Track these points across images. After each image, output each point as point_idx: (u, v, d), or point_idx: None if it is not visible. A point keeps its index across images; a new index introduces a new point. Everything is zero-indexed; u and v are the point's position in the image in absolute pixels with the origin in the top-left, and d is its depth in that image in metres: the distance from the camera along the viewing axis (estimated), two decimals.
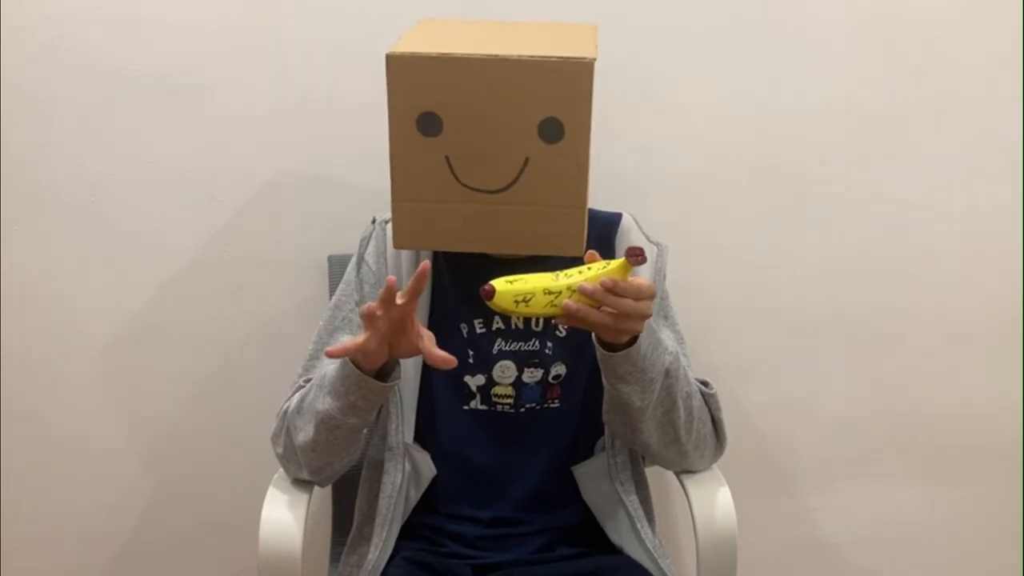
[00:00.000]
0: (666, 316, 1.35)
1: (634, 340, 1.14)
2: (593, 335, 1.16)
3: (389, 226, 1.25)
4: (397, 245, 1.17)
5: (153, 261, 1.64)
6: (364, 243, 1.33)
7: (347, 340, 1.16)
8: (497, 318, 1.31)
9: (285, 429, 1.27)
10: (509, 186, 1.12)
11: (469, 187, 1.12)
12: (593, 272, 1.08)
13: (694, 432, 1.28)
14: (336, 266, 1.54)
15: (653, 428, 1.25)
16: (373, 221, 1.35)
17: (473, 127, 1.10)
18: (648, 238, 1.37)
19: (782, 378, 1.81)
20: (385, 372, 1.18)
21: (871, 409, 1.84)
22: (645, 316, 1.09)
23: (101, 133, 1.57)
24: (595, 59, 1.07)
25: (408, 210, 1.14)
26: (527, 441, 1.34)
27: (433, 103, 1.09)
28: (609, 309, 1.07)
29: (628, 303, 1.06)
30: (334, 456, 1.26)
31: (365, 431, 1.29)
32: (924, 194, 1.73)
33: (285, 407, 1.29)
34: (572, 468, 1.35)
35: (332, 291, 1.41)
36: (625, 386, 1.18)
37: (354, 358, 1.14)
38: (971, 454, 1.88)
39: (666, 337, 1.26)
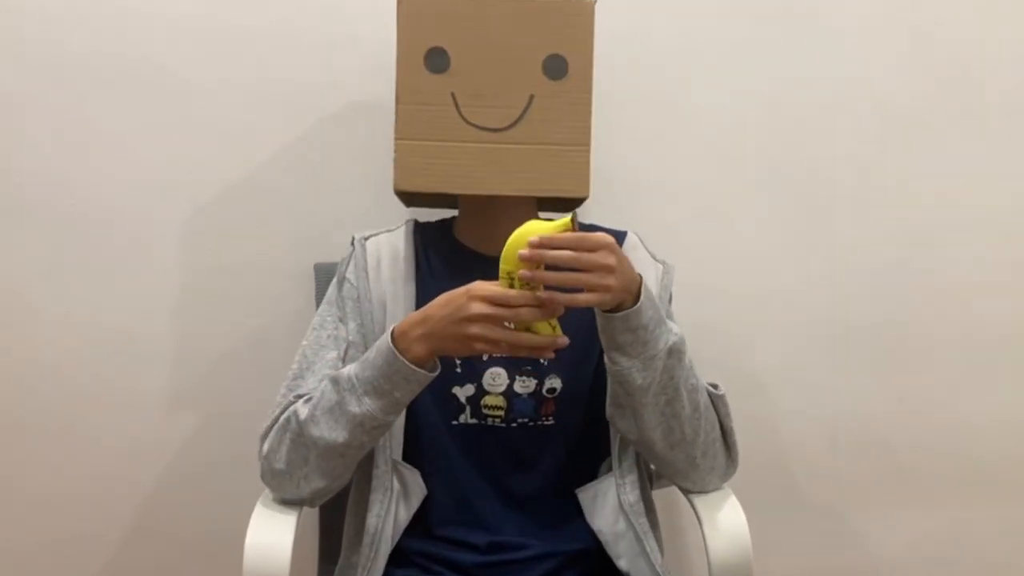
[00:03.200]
0: None
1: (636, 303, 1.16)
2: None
3: (368, 243, 1.35)
4: (398, 185, 1.22)
5: (131, 268, 1.63)
6: (345, 262, 1.35)
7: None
8: None
9: (289, 442, 1.24)
10: (513, 124, 1.21)
11: (474, 125, 1.21)
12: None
13: (702, 433, 1.27)
14: (323, 275, 1.53)
15: (656, 420, 1.24)
16: (352, 242, 1.37)
17: (480, 63, 1.20)
18: (653, 256, 1.39)
19: (800, 393, 1.80)
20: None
21: (897, 425, 1.83)
22: (603, 267, 1.10)
23: (74, 134, 1.57)
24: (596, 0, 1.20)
25: (411, 148, 1.22)
26: (521, 460, 1.33)
27: (442, 38, 1.19)
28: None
29: (568, 255, 1.08)
30: (357, 458, 1.26)
31: None
32: (951, 197, 1.73)
33: (285, 417, 1.26)
34: (576, 491, 1.34)
35: (319, 301, 1.41)
36: (625, 359, 1.19)
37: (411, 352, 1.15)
38: (1006, 473, 1.86)
39: (674, 325, 1.27)
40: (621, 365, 1.19)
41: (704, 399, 1.27)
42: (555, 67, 1.21)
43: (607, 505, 1.33)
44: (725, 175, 1.70)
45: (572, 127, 1.22)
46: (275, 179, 1.62)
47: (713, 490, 1.35)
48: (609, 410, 1.29)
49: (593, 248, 1.09)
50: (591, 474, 1.36)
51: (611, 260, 1.11)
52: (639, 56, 1.60)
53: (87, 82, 1.55)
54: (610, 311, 1.16)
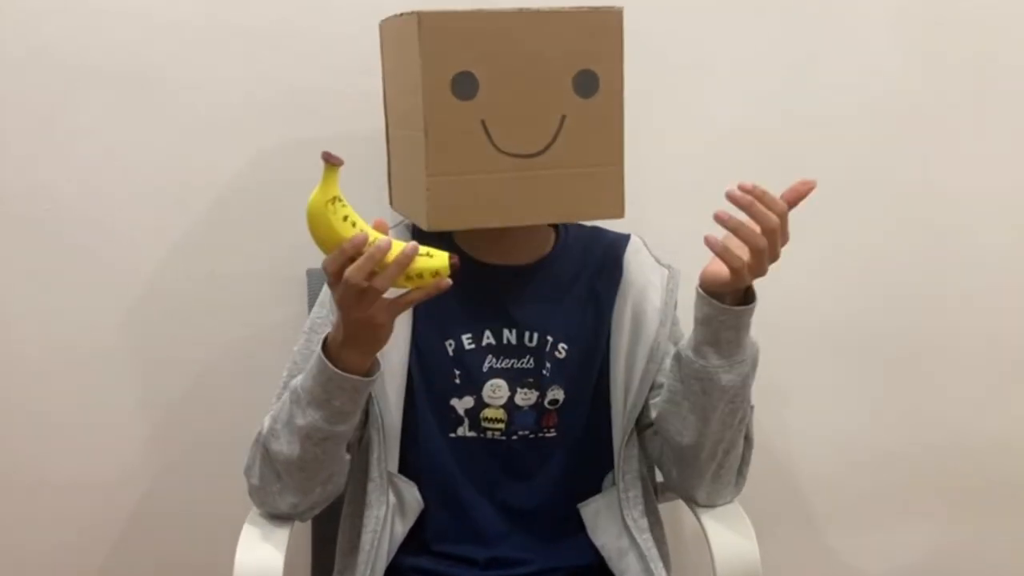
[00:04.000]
0: (676, 343, 1.33)
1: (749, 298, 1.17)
2: (699, 287, 1.18)
3: None
4: (431, 226, 1.17)
5: (114, 275, 1.62)
6: None
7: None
8: (487, 332, 1.29)
9: (260, 456, 1.25)
10: (547, 148, 1.17)
11: (507, 153, 1.16)
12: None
13: (739, 446, 1.29)
14: (316, 280, 1.51)
15: (718, 426, 1.24)
16: None
17: (509, 85, 1.15)
18: (658, 260, 1.37)
19: (811, 406, 1.80)
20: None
21: (911, 440, 1.82)
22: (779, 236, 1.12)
23: (55, 136, 1.55)
24: (622, 8, 1.16)
25: (444, 185, 1.16)
26: (522, 473, 1.33)
27: (468, 62, 1.13)
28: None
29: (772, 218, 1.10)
30: (323, 471, 1.23)
31: (349, 458, 1.26)
32: (974, 197, 1.73)
33: (258, 432, 1.27)
34: (579, 506, 1.34)
35: (311, 308, 1.39)
36: (716, 358, 1.18)
37: (337, 349, 1.13)
38: (1022, 490, 1.87)
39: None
40: (710, 362, 1.19)
41: (750, 414, 1.29)
42: (586, 84, 1.17)
43: (610, 520, 1.32)
44: (733, 175, 1.62)
45: (604, 146, 1.20)
46: (265, 182, 1.60)
47: (723, 504, 1.34)
48: (661, 408, 1.28)
49: (780, 214, 1.10)
50: (594, 488, 1.35)
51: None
52: (644, 54, 1.55)
53: (69, 82, 1.53)
54: (732, 302, 1.16)
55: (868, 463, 1.82)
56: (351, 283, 1.04)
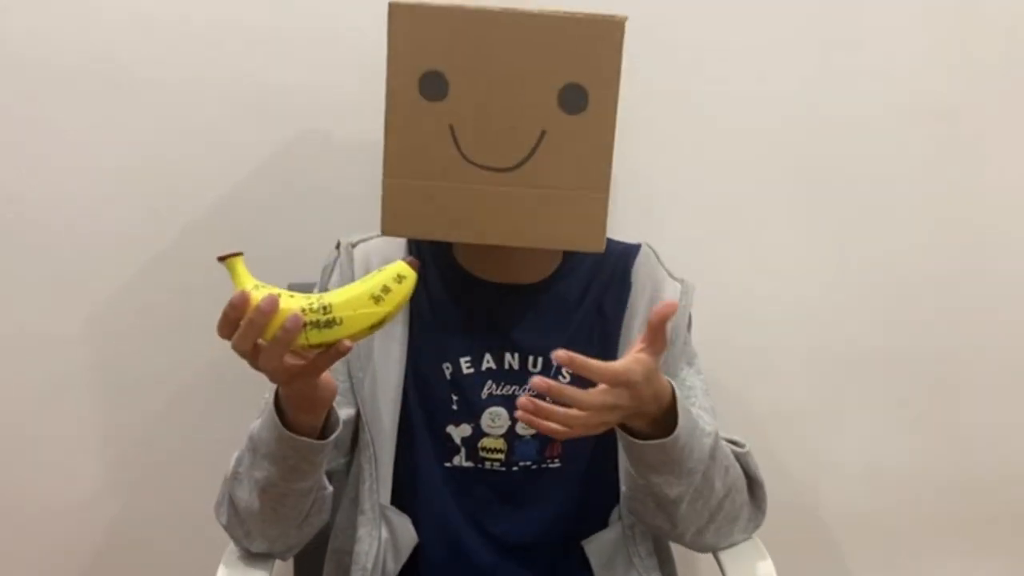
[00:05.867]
0: (690, 362, 1.33)
1: (673, 427, 1.08)
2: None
3: (356, 250, 1.29)
4: (386, 231, 1.15)
5: (83, 286, 1.60)
6: (328, 271, 1.31)
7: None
8: (488, 356, 1.27)
9: (228, 498, 1.22)
10: (521, 164, 1.11)
11: (475, 164, 1.11)
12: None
13: (728, 507, 1.25)
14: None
15: (692, 518, 1.21)
16: (337, 246, 1.33)
17: (484, 91, 1.10)
18: (671, 274, 1.35)
19: (833, 432, 1.78)
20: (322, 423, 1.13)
21: (941, 469, 1.81)
22: (618, 407, 1.03)
23: (22, 137, 1.55)
24: (627, 17, 1.08)
25: (401, 188, 1.12)
26: (523, 506, 1.30)
27: (439, 61, 1.08)
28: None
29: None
30: (290, 524, 1.20)
31: (330, 490, 1.24)
32: (1007, 204, 1.71)
33: (226, 472, 1.25)
34: (583, 543, 1.31)
35: None
36: (657, 476, 1.14)
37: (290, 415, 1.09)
38: None
39: (701, 411, 1.25)
40: (653, 482, 1.14)
41: (735, 471, 1.24)
42: (573, 99, 1.10)
43: (616, 558, 1.30)
44: (750, 183, 1.66)
45: (588, 170, 1.12)
46: (247, 188, 1.60)
47: (740, 542, 1.31)
48: (629, 504, 1.26)
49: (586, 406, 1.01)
50: (599, 522, 1.33)
51: (623, 399, 1.03)
52: (654, 54, 1.57)
53: (34, 80, 1.52)
54: (635, 436, 1.09)
55: (898, 493, 1.82)
56: (239, 353, 0.98)
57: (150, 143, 1.56)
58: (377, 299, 0.99)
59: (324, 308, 0.97)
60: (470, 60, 1.08)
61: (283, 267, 1.52)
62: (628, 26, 1.11)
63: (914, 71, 1.65)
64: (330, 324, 0.97)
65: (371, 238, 1.33)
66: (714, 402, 1.31)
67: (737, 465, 1.24)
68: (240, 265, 0.99)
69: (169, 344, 1.63)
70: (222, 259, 0.98)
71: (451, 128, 1.10)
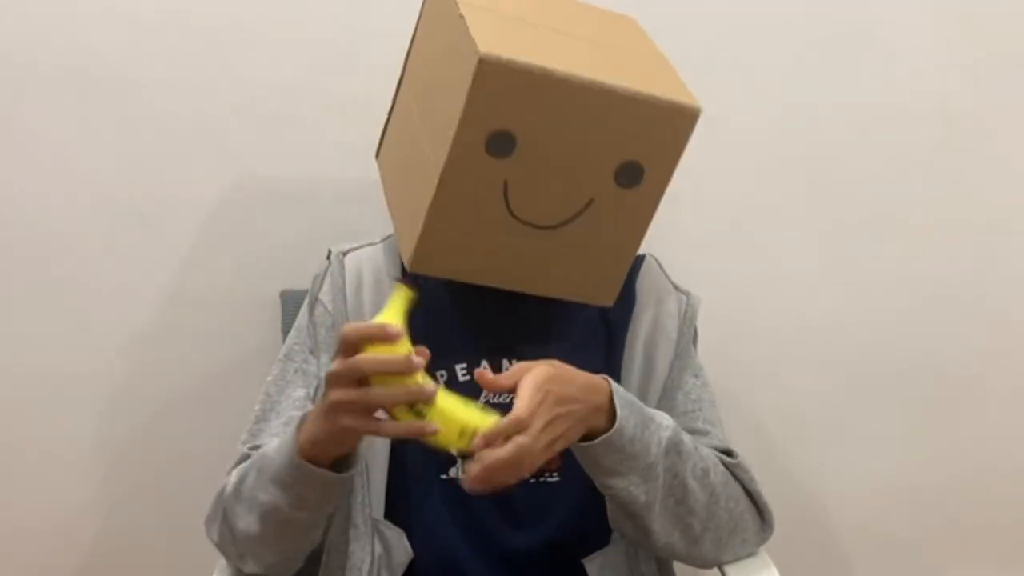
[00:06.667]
0: (696, 374, 1.32)
1: (612, 422, 1.08)
2: None
3: (347, 259, 1.29)
4: (413, 268, 1.14)
5: (67, 295, 1.60)
6: (318, 281, 1.30)
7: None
8: (484, 363, 1.25)
9: (222, 515, 1.21)
10: (562, 225, 1.12)
11: (518, 219, 1.11)
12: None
13: (723, 512, 1.22)
14: (291, 304, 1.51)
15: (671, 525, 1.19)
16: (328, 255, 1.32)
17: (547, 155, 1.08)
18: (676, 286, 1.35)
19: (844, 440, 1.78)
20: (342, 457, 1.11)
21: (961, 478, 1.81)
22: (553, 419, 1.02)
23: (2, 139, 1.54)
24: (701, 110, 1.08)
25: (440, 233, 1.11)
26: (521, 521, 1.28)
27: (515, 121, 1.05)
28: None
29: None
30: (289, 549, 1.20)
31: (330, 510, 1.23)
32: (1016, 222, 1.72)
33: (223, 486, 1.23)
34: (584, 561, 1.29)
35: (286, 334, 1.38)
36: (620, 480, 1.12)
37: (309, 443, 1.07)
38: None
39: (708, 424, 1.26)
40: (617, 487, 1.12)
41: (721, 477, 1.22)
42: (629, 175, 1.10)
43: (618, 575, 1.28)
44: (757, 189, 1.67)
45: (622, 238, 1.15)
46: (234, 192, 1.60)
47: (745, 557, 1.29)
48: (613, 524, 1.23)
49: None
50: (601, 539, 1.30)
51: (540, 438, 1.00)
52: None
53: (17, 81, 1.52)
54: (583, 440, 1.08)
55: (907, 505, 1.81)
56: (344, 369, 0.97)
57: (135, 146, 1.55)
58: (460, 434, 1.00)
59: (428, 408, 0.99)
60: (544, 123, 1.06)
61: (273, 275, 1.57)
62: (650, 26, 1.15)
63: (928, 76, 1.65)
64: (419, 415, 0.99)
65: (362, 246, 1.33)
66: (718, 415, 1.31)
67: (726, 472, 1.23)
68: (407, 302, 1.02)
69: (155, 354, 1.62)
70: (399, 281, 1.03)
71: (505, 184, 1.09)
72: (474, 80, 1.01)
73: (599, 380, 1.09)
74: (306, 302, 1.31)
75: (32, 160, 1.55)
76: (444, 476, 1.26)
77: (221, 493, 1.22)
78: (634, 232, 1.15)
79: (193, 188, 1.58)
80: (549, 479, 1.27)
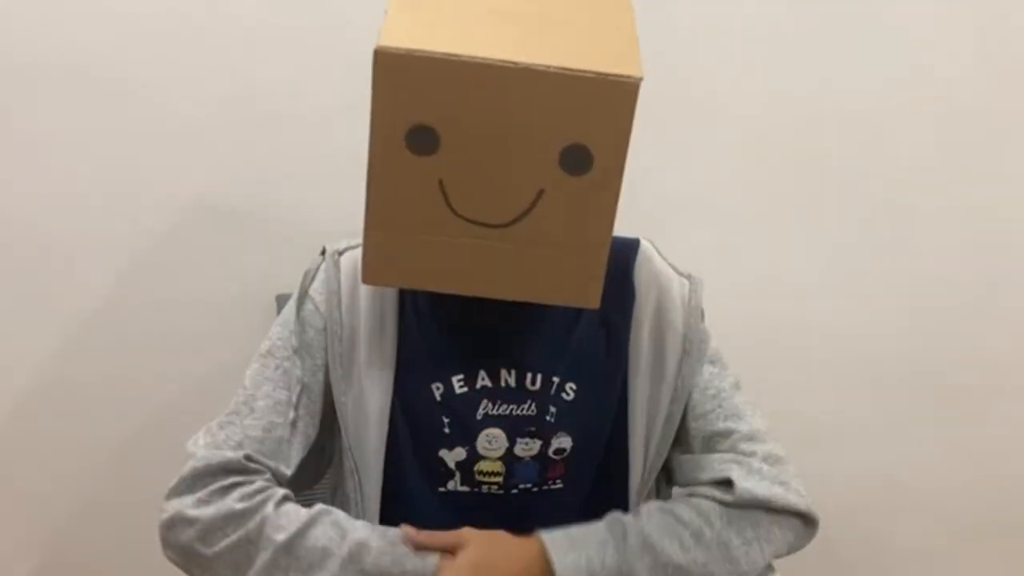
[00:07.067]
0: (713, 361, 1.28)
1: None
2: None
3: (343, 259, 1.25)
4: (366, 280, 1.10)
5: (57, 298, 1.59)
6: (309, 276, 1.26)
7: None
8: (482, 373, 1.22)
9: (235, 538, 1.12)
10: (515, 221, 1.06)
11: (465, 219, 1.05)
12: None
13: (741, 552, 1.18)
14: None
15: None
16: (323, 252, 1.28)
17: (478, 148, 1.03)
18: (676, 269, 1.30)
19: (852, 446, 1.78)
20: None
21: (975, 483, 1.81)
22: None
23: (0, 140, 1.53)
24: (642, 78, 0.99)
25: (383, 240, 1.07)
26: (523, 532, 1.23)
27: (430, 115, 1.01)
28: None
29: None
30: None
31: None
32: None
33: (244, 508, 1.14)
34: None
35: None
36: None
37: None
38: None
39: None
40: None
41: (721, 521, 1.17)
42: (576, 160, 1.03)
43: None
44: (763, 187, 1.68)
45: (587, 231, 1.07)
46: (229, 195, 1.59)
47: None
48: None
49: None
50: None
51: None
52: (662, 48, 1.54)
53: (17, 81, 1.51)
54: None
55: (916, 512, 1.82)
56: None
57: (127, 147, 1.55)
58: None
59: None
60: (464, 115, 1.01)
61: (269, 279, 1.57)
62: (641, 18, 1.07)
63: (934, 65, 1.64)
64: None
65: (358, 246, 1.28)
66: (745, 397, 1.27)
67: (728, 511, 1.18)
68: None
69: (148, 359, 1.61)
70: None
71: (440, 183, 1.04)
72: (375, 74, 0.99)
73: (528, 546, 1.12)
74: (295, 295, 1.27)
75: (30, 161, 1.54)
76: (442, 489, 1.23)
77: (244, 517, 1.14)
78: (599, 224, 1.07)
79: (190, 190, 1.57)
80: (552, 487, 1.25)
